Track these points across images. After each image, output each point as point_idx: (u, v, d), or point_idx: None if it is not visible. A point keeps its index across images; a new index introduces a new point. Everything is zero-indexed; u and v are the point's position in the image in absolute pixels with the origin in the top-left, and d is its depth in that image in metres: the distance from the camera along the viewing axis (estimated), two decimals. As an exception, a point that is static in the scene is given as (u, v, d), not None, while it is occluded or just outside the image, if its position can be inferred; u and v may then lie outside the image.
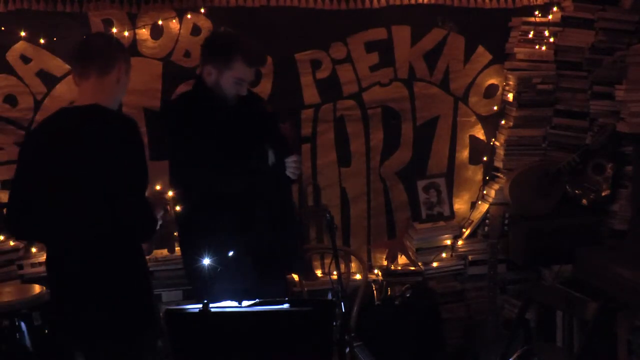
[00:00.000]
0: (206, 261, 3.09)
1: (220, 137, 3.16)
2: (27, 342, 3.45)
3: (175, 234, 4.03)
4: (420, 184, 4.39)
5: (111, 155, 2.60)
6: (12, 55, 3.84)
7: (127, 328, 2.68)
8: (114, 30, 3.87)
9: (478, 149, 4.47)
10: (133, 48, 3.93)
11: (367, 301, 4.14)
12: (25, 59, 3.86)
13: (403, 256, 4.38)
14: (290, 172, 3.28)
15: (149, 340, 2.83)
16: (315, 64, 4.17)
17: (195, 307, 2.56)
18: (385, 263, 4.37)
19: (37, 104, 3.92)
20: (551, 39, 4.28)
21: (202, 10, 3.96)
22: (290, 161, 3.28)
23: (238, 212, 3.17)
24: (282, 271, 3.52)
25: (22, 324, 3.43)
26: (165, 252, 4.00)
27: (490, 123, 4.45)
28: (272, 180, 3.26)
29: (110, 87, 2.75)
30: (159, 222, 2.76)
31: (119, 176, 2.58)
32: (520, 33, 4.27)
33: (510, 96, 4.32)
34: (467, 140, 4.46)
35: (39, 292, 3.58)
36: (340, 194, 4.35)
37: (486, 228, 4.22)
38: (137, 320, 2.71)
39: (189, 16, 3.97)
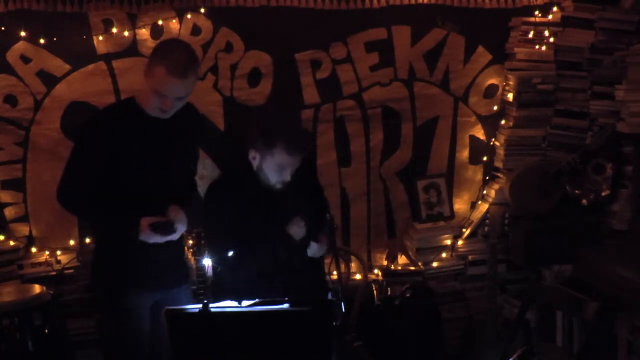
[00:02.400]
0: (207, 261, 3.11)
1: (247, 218, 3.19)
2: (27, 342, 3.45)
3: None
4: (420, 184, 4.39)
5: None
6: (12, 55, 3.84)
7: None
8: (114, 30, 3.87)
9: (478, 149, 4.47)
10: (133, 48, 3.94)
11: (367, 301, 4.14)
12: (25, 59, 3.86)
13: (403, 256, 4.38)
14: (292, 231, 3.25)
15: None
16: (315, 64, 4.17)
17: (195, 307, 2.56)
18: (385, 263, 4.37)
19: (37, 104, 3.92)
20: (551, 39, 4.28)
21: (202, 10, 3.96)
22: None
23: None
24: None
25: (22, 324, 3.44)
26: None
27: (490, 123, 4.45)
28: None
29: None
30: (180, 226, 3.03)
31: None
32: (520, 33, 4.27)
33: (510, 96, 4.32)
34: (467, 140, 4.46)
35: (39, 292, 3.59)
36: (340, 194, 4.35)
37: (486, 228, 4.22)
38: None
39: (189, 16, 3.97)
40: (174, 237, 3.07)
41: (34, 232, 4.03)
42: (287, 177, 3.17)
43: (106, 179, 3.00)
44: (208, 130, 4.01)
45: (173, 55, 2.91)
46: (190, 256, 3.97)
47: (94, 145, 3.00)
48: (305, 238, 3.26)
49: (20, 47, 3.83)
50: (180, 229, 3.07)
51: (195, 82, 3.01)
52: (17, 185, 3.98)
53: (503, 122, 4.42)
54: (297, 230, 3.24)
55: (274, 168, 3.15)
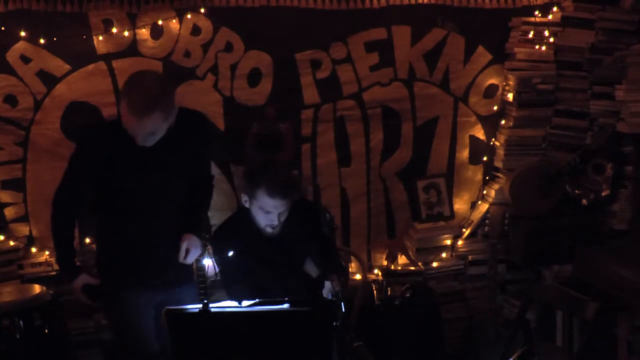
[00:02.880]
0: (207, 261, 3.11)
1: (249, 270, 3.18)
2: (27, 342, 3.45)
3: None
4: (420, 184, 4.39)
5: None
6: (12, 55, 3.84)
7: None
8: (114, 30, 3.87)
9: (478, 149, 4.46)
10: (133, 48, 3.94)
11: (367, 301, 4.13)
12: (25, 59, 3.86)
13: (403, 256, 4.38)
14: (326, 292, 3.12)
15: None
16: (315, 64, 4.17)
17: (195, 307, 2.56)
18: (385, 263, 4.37)
19: (37, 104, 3.92)
20: (551, 39, 4.28)
21: (202, 10, 3.96)
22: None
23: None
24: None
25: (22, 324, 3.44)
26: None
27: (490, 123, 4.45)
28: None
29: None
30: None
31: None
32: (520, 33, 4.27)
33: (510, 96, 4.32)
34: (467, 140, 4.46)
35: (39, 292, 3.59)
36: (340, 194, 4.35)
37: (486, 228, 4.22)
38: None
39: (189, 16, 3.97)
40: (187, 261, 3.09)
41: (34, 232, 4.03)
42: (275, 221, 3.15)
43: (103, 193, 3.08)
44: (214, 137, 3.95)
45: (134, 93, 2.87)
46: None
47: (86, 160, 3.06)
48: (316, 280, 3.24)
49: (20, 47, 3.83)
50: (194, 253, 3.08)
51: (168, 115, 2.93)
52: (17, 185, 3.98)
53: (503, 122, 4.42)
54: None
55: (259, 212, 3.15)
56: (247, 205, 3.21)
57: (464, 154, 4.47)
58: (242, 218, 3.27)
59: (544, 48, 4.28)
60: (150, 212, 3.06)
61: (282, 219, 3.16)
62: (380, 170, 4.38)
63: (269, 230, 3.18)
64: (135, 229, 3.06)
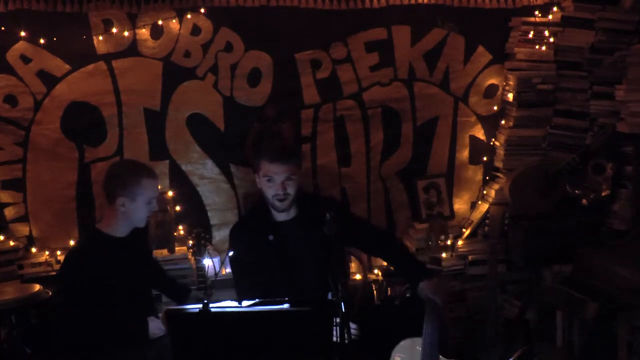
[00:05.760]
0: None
1: (256, 268, 3.25)
2: (25, 340, 3.46)
3: (175, 234, 4.04)
4: (420, 184, 4.39)
5: None
6: (12, 55, 3.84)
7: None
8: (114, 30, 3.87)
9: (478, 149, 4.47)
10: (133, 48, 3.95)
11: (367, 301, 4.13)
12: (25, 59, 3.86)
13: (403, 256, 4.37)
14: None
15: None
16: (315, 64, 4.18)
17: (195, 307, 2.56)
18: (385, 263, 4.36)
19: (37, 104, 3.92)
20: (551, 39, 4.28)
21: (202, 10, 3.97)
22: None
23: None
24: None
25: (20, 322, 3.45)
26: (165, 252, 4.00)
27: (490, 123, 4.45)
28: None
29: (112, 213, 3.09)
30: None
31: None
32: (520, 33, 4.27)
33: (510, 96, 4.32)
34: (467, 140, 4.46)
35: (37, 291, 3.59)
36: (340, 194, 4.35)
37: (486, 228, 4.22)
38: None
39: (189, 16, 3.97)
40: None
41: (34, 232, 4.03)
42: (279, 190, 3.20)
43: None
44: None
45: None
46: (190, 256, 3.98)
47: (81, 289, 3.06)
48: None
49: (20, 47, 3.84)
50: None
51: None
52: (17, 185, 3.98)
53: (503, 122, 4.42)
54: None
55: (265, 183, 3.22)
56: (259, 186, 3.26)
57: (464, 154, 4.47)
58: (257, 208, 3.38)
59: (544, 48, 4.28)
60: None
61: (289, 190, 3.21)
62: (380, 170, 4.39)
63: (277, 204, 3.23)
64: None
